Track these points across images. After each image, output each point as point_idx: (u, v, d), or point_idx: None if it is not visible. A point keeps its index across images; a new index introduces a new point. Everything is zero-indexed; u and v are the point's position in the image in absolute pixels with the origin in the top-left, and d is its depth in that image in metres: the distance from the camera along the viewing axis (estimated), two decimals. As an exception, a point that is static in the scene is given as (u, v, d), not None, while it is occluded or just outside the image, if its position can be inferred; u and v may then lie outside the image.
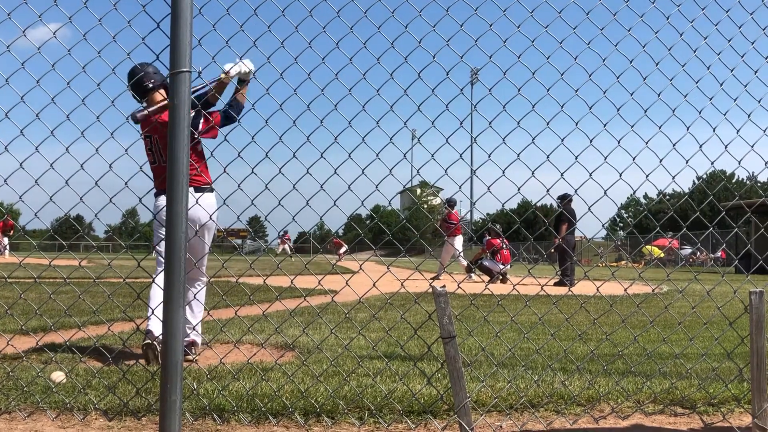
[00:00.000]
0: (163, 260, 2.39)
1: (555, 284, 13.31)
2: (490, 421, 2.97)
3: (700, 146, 2.95)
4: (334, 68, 2.69)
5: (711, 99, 2.97)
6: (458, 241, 15.89)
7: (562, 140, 2.81)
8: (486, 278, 15.03)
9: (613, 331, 5.49)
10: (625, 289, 3.17)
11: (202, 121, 4.02)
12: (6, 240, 29.10)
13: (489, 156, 2.82)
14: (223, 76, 4.00)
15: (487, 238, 15.88)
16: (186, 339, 4.09)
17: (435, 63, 2.76)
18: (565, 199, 13.33)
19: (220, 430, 2.79)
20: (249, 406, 2.95)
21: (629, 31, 2.83)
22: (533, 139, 2.81)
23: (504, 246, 15.28)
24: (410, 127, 2.88)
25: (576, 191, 2.90)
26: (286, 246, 38.95)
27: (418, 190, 64.58)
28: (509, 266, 15.18)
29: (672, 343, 4.87)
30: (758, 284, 3.14)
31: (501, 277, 14.77)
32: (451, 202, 16.23)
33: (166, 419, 2.27)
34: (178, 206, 2.32)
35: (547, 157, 2.83)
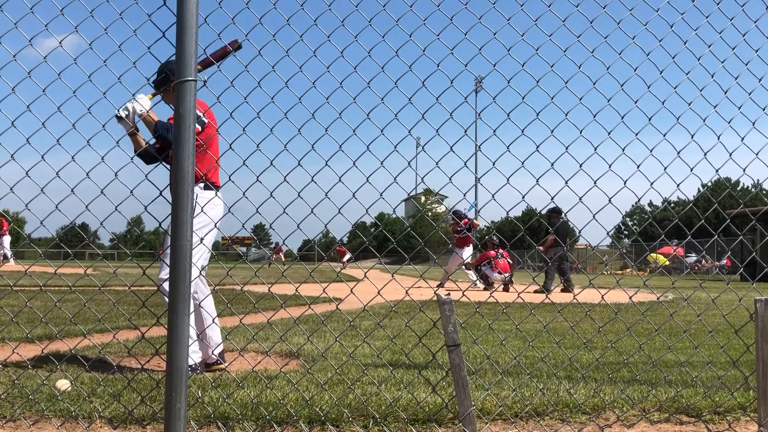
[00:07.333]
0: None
1: (561, 291, 13.36)
2: (495, 429, 2.96)
3: (705, 154, 2.95)
4: (339, 77, 2.70)
5: (715, 107, 2.97)
6: (467, 252, 15.70)
7: (567, 148, 2.81)
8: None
9: (619, 339, 5.48)
10: (630, 297, 3.16)
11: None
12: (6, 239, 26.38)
13: (493, 164, 2.83)
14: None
15: (483, 250, 15.73)
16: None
17: (439, 71, 2.76)
18: (554, 213, 13.45)
19: (224, 438, 2.79)
20: (253, 414, 2.95)
21: (633, 39, 2.84)
22: (537, 146, 2.81)
23: (498, 255, 15.17)
24: (415, 135, 2.89)
25: (581, 199, 2.90)
26: (281, 255, 40.31)
27: (423, 198, 64.59)
28: (509, 275, 15.05)
29: (677, 351, 4.85)
30: (763, 292, 3.13)
31: (503, 286, 14.72)
32: (458, 213, 15.76)
33: (170, 427, 2.27)
34: (183, 214, 2.33)
35: (552, 164, 2.83)
